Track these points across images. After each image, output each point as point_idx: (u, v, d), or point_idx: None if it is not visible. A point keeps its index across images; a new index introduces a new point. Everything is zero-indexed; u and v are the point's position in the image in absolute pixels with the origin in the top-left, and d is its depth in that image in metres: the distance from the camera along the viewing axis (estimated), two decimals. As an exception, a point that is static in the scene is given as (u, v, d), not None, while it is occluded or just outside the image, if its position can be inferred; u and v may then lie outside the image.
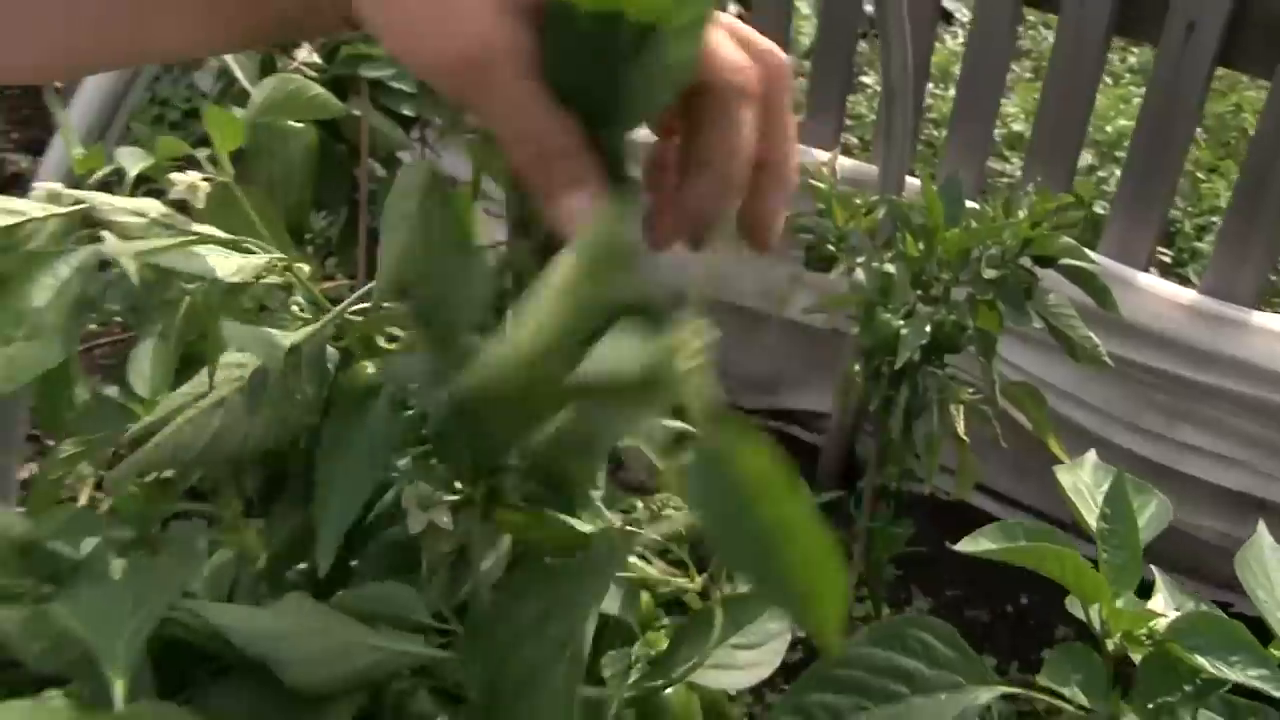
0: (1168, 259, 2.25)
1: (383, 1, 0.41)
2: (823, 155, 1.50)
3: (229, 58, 1.12)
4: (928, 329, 1.17)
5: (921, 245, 1.22)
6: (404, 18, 0.41)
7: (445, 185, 0.54)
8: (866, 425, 1.43)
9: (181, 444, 0.61)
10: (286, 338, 0.62)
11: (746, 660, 0.62)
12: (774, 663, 0.62)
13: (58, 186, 0.71)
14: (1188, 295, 1.60)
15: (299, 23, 0.48)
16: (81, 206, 0.68)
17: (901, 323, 1.20)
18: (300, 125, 1.21)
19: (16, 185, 2.52)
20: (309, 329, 0.64)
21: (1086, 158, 2.50)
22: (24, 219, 0.67)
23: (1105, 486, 0.67)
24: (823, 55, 1.88)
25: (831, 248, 1.30)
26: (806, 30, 2.49)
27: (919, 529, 1.41)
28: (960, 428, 1.21)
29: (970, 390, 1.25)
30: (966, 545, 0.58)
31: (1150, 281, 1.62)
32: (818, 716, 0.63)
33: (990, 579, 1.75)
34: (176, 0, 0.46)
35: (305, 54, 1.24)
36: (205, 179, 0.74)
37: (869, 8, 1.86)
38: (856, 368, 1.26)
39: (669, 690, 0.63)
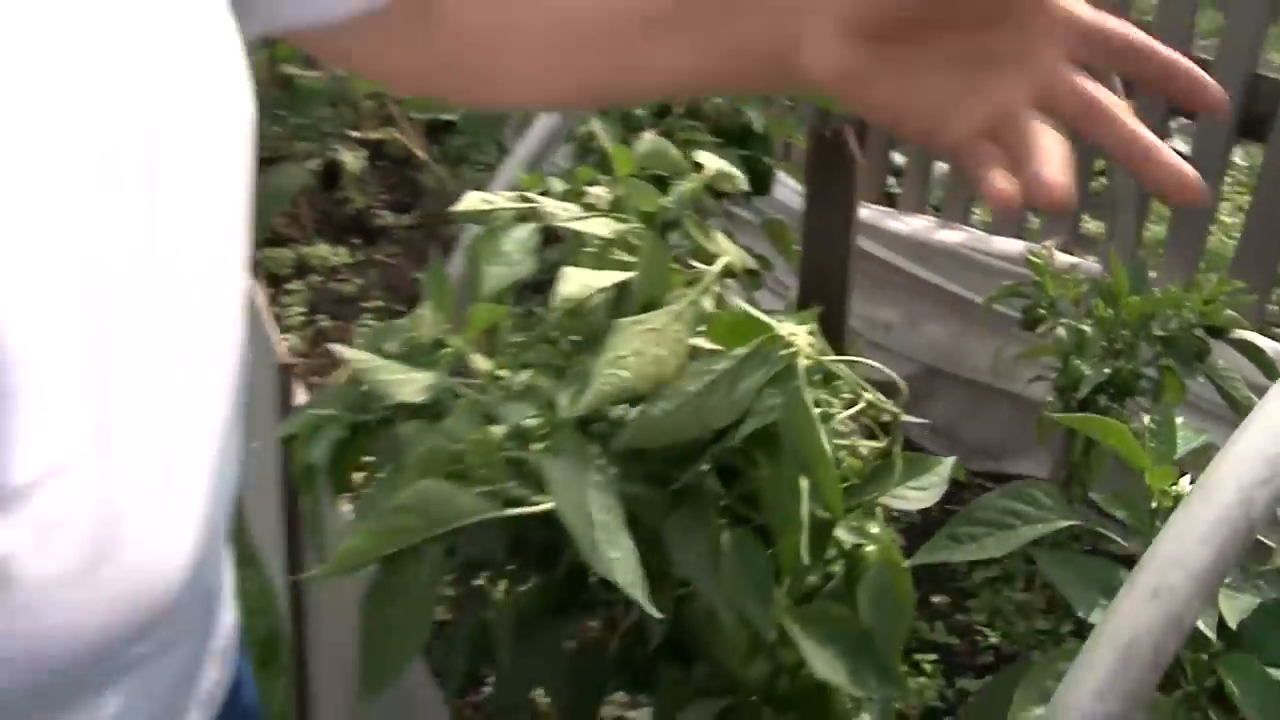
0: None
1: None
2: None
3: (600, 129, 1.57)
4: (1106, 370, 1.49)
5: (1109, 310, 1.55)
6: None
7: None
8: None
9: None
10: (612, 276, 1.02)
11: (915, 497, 0.98)
12: (935, 498, 0.97)
13: (512, 193, 1.16)
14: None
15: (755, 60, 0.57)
16: (529, 205, 1.12)
17: (1088, 368, 1.53)
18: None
19: (384, 236, 3.07)
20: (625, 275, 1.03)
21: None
22: (495, 206, 1.12)
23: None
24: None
25: (1042, 311, 1.64)
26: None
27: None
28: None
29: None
30: (1049, 414, 0.92)
31: (1329, 373, 1.87)
32: (963, 540, 0.98)
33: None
34: (677, 31, 0.57)
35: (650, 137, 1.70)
36: (607, 190, 1.19)
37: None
38: (1050, 400, 1.59)
39: (871, 548, 0.99)
